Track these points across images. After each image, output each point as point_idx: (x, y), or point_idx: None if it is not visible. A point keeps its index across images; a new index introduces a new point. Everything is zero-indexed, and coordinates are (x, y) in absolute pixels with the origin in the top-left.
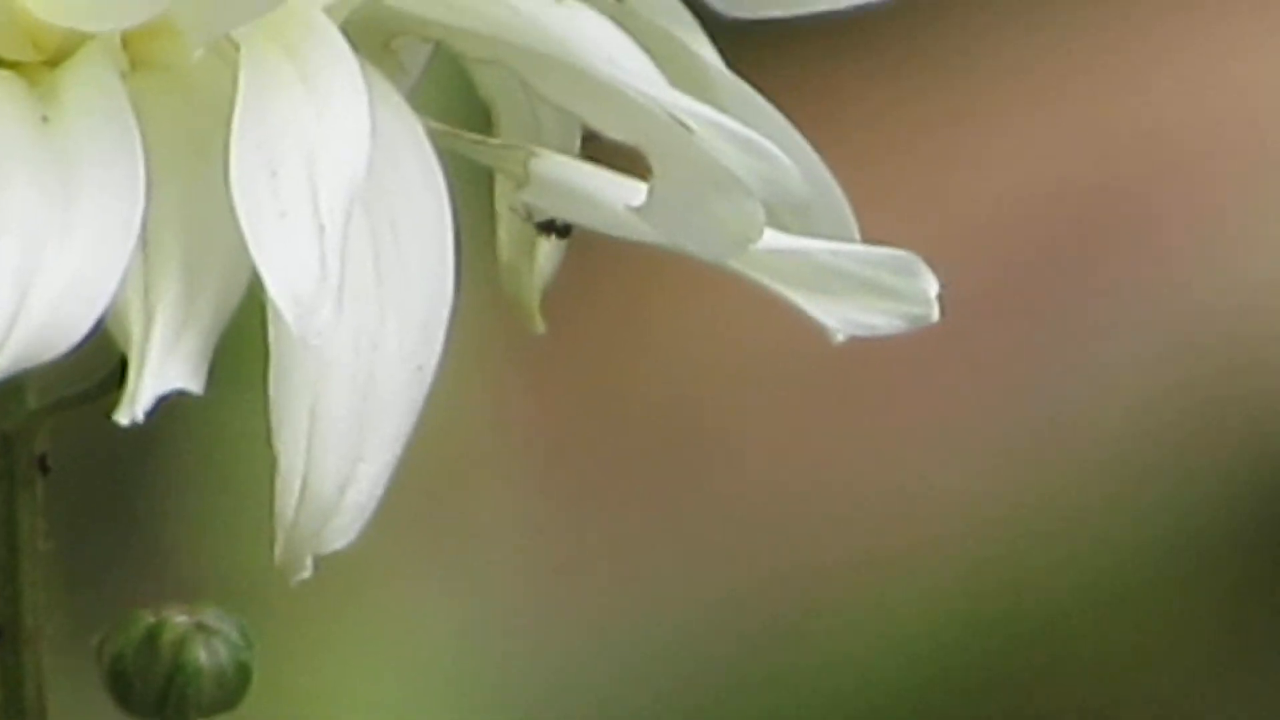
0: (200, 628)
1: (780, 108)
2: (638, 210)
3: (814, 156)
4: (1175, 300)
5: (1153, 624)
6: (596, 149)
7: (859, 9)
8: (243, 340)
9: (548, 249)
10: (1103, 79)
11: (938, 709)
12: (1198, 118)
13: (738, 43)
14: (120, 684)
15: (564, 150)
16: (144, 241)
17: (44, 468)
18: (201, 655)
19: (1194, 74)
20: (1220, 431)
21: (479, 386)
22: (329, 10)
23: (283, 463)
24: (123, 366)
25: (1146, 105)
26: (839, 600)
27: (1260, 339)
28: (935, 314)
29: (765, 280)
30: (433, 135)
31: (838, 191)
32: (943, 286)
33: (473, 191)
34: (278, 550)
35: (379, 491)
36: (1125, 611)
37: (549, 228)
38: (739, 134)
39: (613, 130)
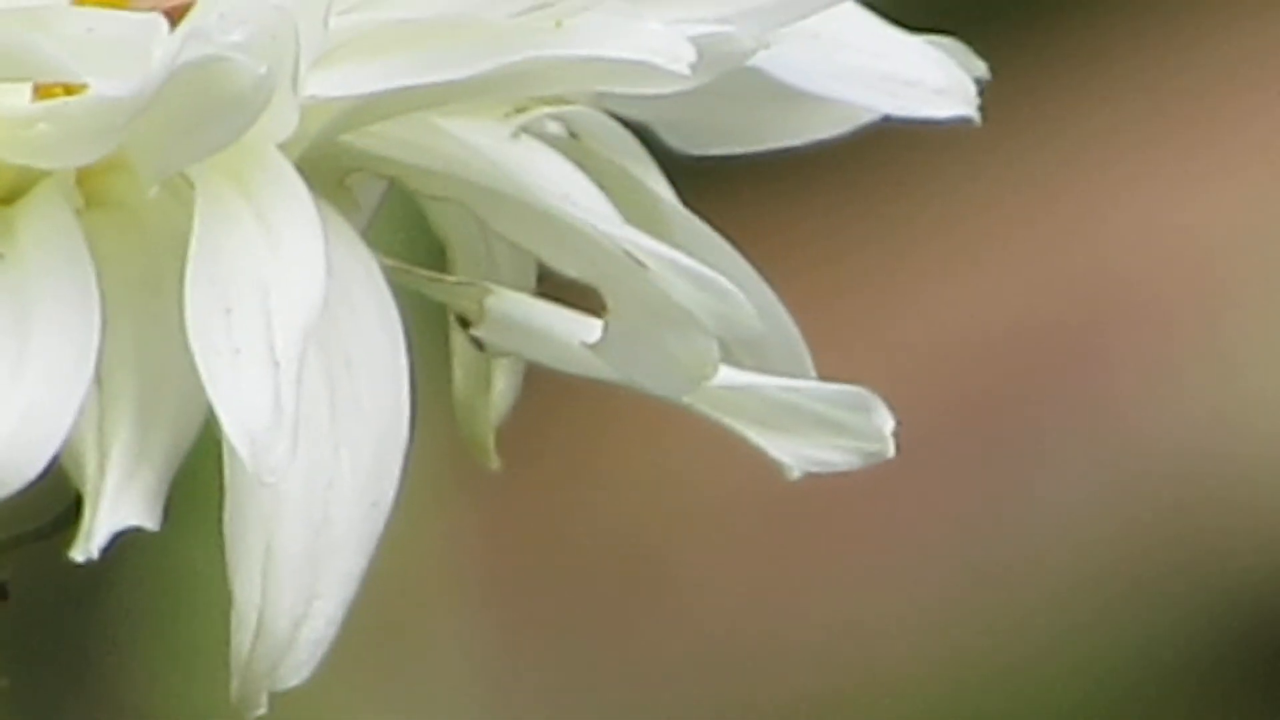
0: None
1: (735, 245)
2: (593, 347)
3: (769, 292)
4: (1123, 439)
5: None
6: (552, 286)
7: (814, 145)
8: (198, 477)
9: (503, 386)
10: (1052, 220)
11: None
12: (1146, 258)
13: (694, 180)
14: None
15: (519, 287)
16: (99, 378)
17: (4, 594)
18: None
19: (1142, 215)
20: (1170, 567)
21: (434, 522)
22: (283, 147)
23: (238, 599)
24: (78, 503)
25: (1094, 246)
26: None
27: (1208, 477)
28: (890, 450)
29: (720, 417)
30: (388, 272)
31: (792, 328)
32: (897, 424)
33: (427, 328)
34: (234, 686)
35: (334, 628)
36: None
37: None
38: (693, 270)
39: (568, 267)
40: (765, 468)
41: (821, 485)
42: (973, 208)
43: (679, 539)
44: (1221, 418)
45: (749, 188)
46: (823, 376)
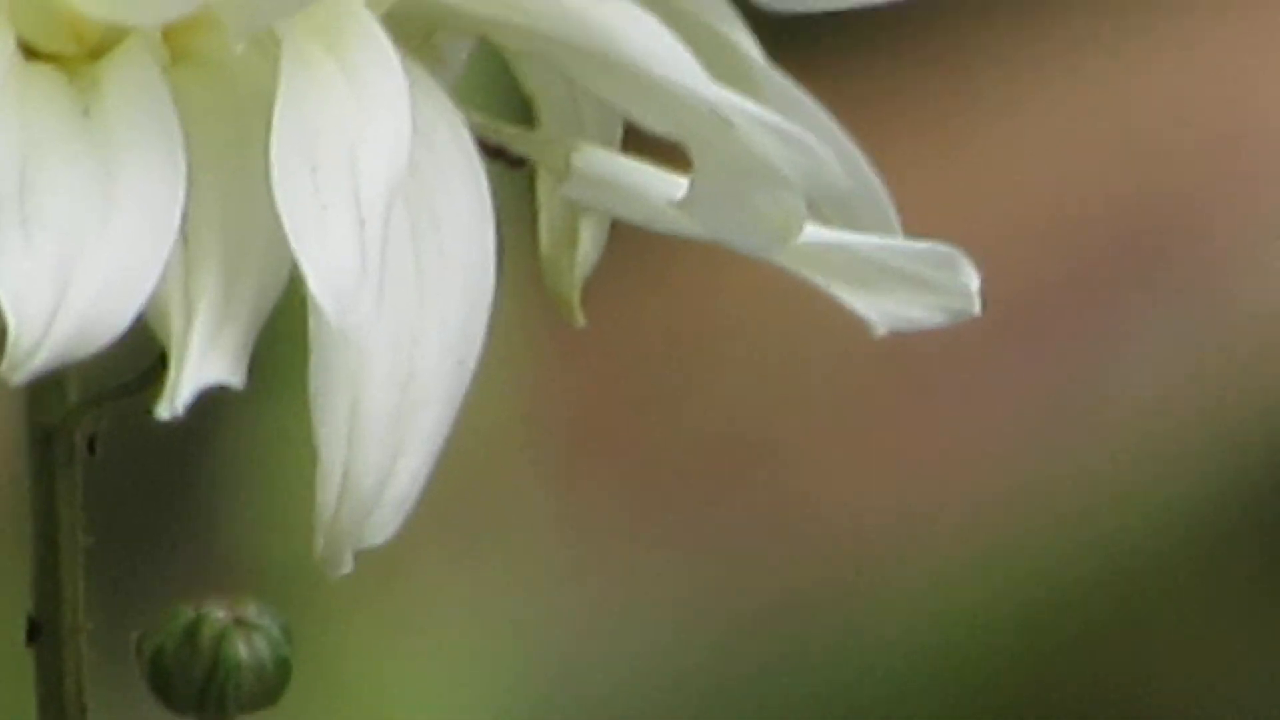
0: (240, 623)
1: (823, 103)
2: (679, 204)
3: (855, 151)
4: (1216, 311)
5: (1174, 613)
6: (639, 142)
7: (899, 4)
8: (284, 336)
9: (589, 241)
10: (1142, 84)
11: (969, 695)
12: (1239, 123)
13: (781, 38)
14: (160, 679)
15: (605, 144)
16: (184, 235)
17: (91, 449)
18: (241, 650)
19: (1231, 79)
20: (1255, 431)
21: (519, 380)
22: (370, 4)
23: (323, 457)
24: (163, 360)
25: (1184, 112)
26: (878, 603)
27: None
28: (976, 307)
29: (807, 273)
30: (474, 129)
31: (879, 186)
32: (984, 285)
33: (514, 184)
34: (318, 545)
35: (419, 486)
36: (1148, 599)
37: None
38: (780, 128)
39: (654, 124)
40: (856, 335)
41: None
42: (1060, 68)
43: (770, 404)
44: None
45: (836, 47)
46: (910, 236)
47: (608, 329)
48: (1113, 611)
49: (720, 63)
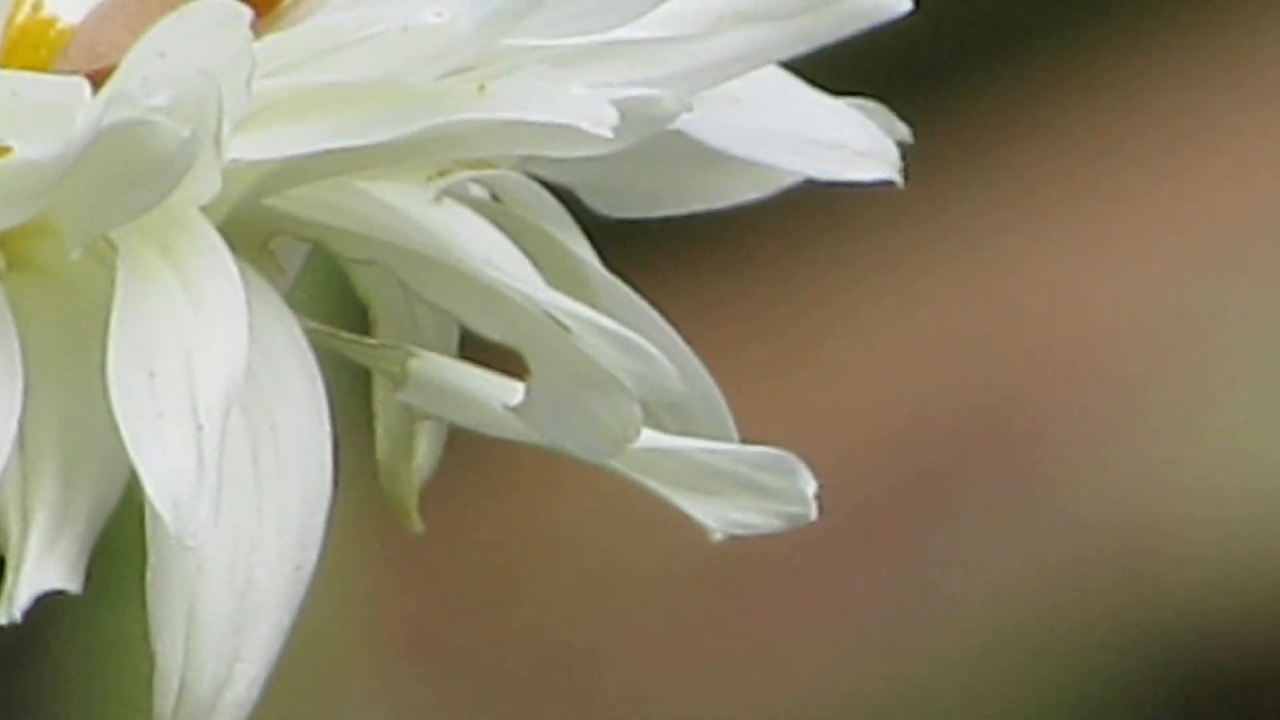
0: None
1: (659, 309)
2: (516, 410)
3: (691, 356)
4: (1049, 515)
5: None
6: (475, 349)
7: (735, 208)
8: (122, 541)
9: (426, 448)
10: (979, 289)
11: None
12: (1071, 331)
13: (617, 244)
14: None
15: (442, 350)
16: (21, 442)
17: None
18: None
19: (1064, 285)
20: (1096, 640)
21: (356, 584)
22: (206, 211)
23: (161, 663)
24: (0, 566)
25: (1020, 318)
26: None
27: (1134, 550)
28: (813, 513)
29: (644, 479)
30: (311, 335)
31: (715, 391)
32: (820, 491)
33: (350, 391)
34: None
35: (256, 692)
36: None
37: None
38: (616, 333)
39: (490, 330)
40: (695, 539)
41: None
42: (897, 277)
43: (606, 610)
44: (1146, 491)
45: (672, 252)
46: (746, 443)
47: (445, 534)
48: None
49: (557, 269)
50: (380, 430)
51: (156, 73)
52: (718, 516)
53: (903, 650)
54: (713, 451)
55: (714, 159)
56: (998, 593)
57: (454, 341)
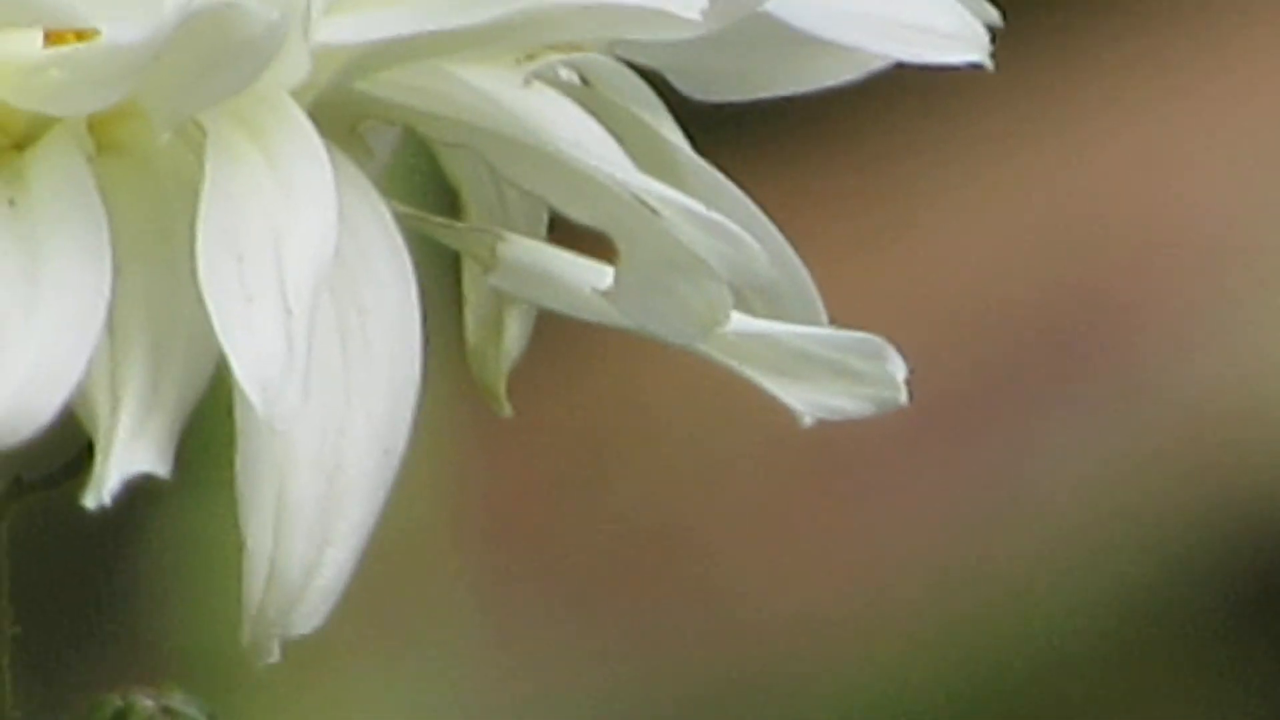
0: (166, 711)
1: (748, 193)
2: (605, 293)
3: (781, 241)
4: (1139, 399)
5: (1101, 705)
6: (564, 233)
7: (823, 92)
8: (211, 426)
9: (515, 332)
10: (1067, 173)
11: None
12: (1159, 215)
13: (707, 128)
14: None
15: (531, 234)
16: (110, 325)
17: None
18: None
19: (1155, 171)
20: (1184, 523)
21: (446, 470)
22: (295, 94)
23: (250, 547)
24: (90, 450)
25: (1108, 202)
26: (808, 694)
27: (1222, 437)
28: (904, 398)
29: (733, 364)
30: (400, 219)
31: (805, 276)
32: (911, 375)
33: (440, 274)
34: (245, 634)
35: (346, 576)
36: (1076, 689)
37: None
38: (705, 218)
39: (579, 214)
40: (782, 425)
41: (840, 443)
42: (987, 159)
43: (694, 497)
44: (1239, 375)
45: (762, 136)
46: (837, 325)
47: (534, 419)
48: (1042, 702)
49: (646, 153)
50: (469, 314)
51: None
52: (807, 401)
53: (992, 535)
54: (802, 336)
55: (802, 41)
56: (1088, 478)
57: (543, 225)
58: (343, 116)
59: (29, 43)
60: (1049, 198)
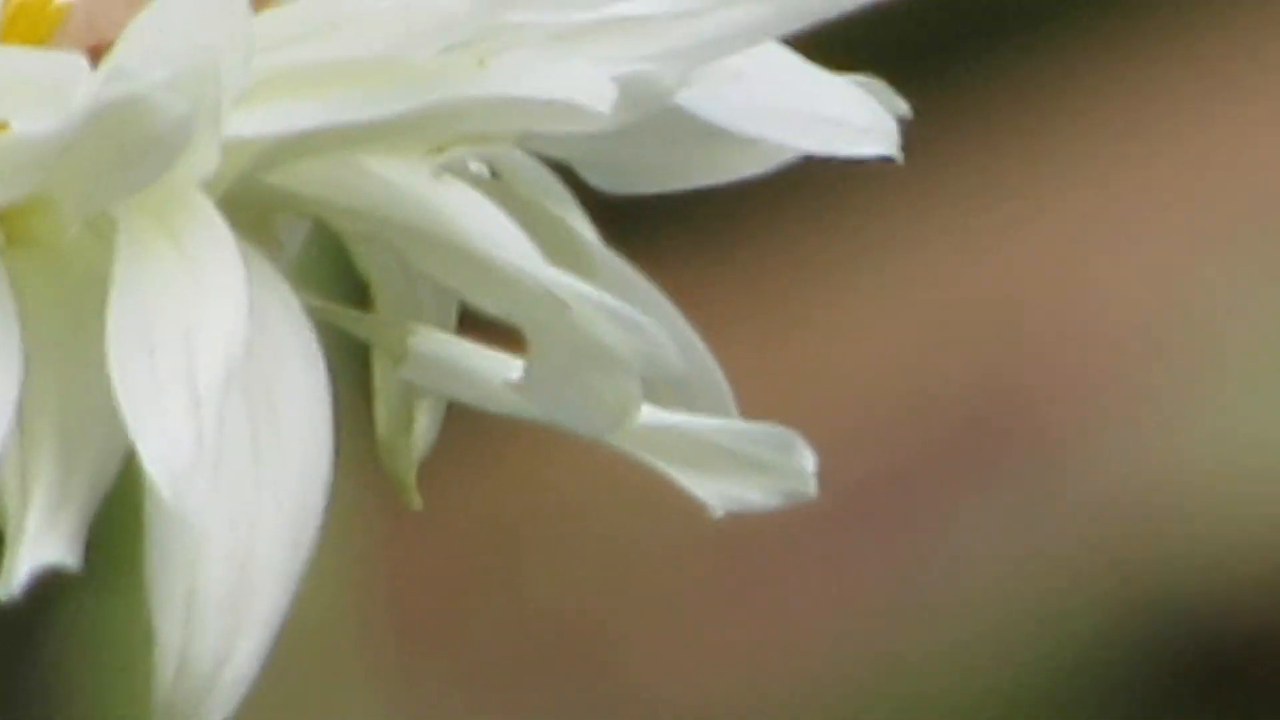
0: None
1: (658, 284)
2: (516, 386)
3: (690, 333)
4: (1052, 493)
5: None
6: (474, 324)
7: (734, 183)
8: (120, 517)
9: (426, 424)
10: (978, 266)
11: None
12: (1073, 308)
13: (616, 221)
14: None
15: (442, 326)
16: (20, 418)
17: None
18: None
19: (1068, 264)
20: (1084, 619)
21: (354, 561)
22: (206, 187)
23: (161, 640)
24: (0, 541)
25: (1020, 295)
26: None
27: (1148, 520)
28: (813, 489)
29: (645, 456)
30: (311, 311)
31: (714, 367)
32: (820, 468)
33: (350, 365)
34: None
35: (257, 667)
36: None
37: None
38: (616, 309)
39: (490, 306)
40: (695, 515)
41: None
42: (900, 249)
43: (607, 589)
44: (1156, 463)
45: (671, 226)
46: (747, 418)
47: (444, 511)
48: None
49: (556, 245)
50: (379, 407)
51: (155, 48)
52: (717, 492)
53: (908, 623)
54: (712, 428)
55: (714, 134)
56: (1004, 566)
57: (454, 317)
58: (254, 209)
59: None
60: (963, 287)
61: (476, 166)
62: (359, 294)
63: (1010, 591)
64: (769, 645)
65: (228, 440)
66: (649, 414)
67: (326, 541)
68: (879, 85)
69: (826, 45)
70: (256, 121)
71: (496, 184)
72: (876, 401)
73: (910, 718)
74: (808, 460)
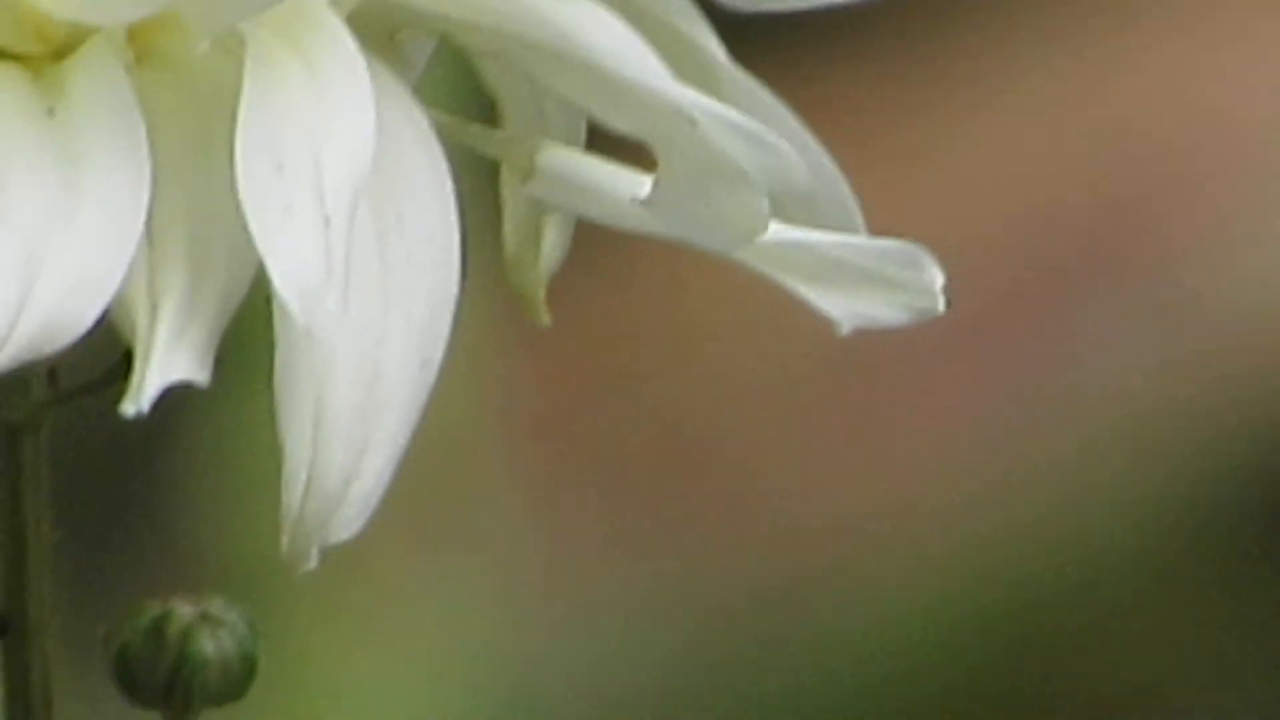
0: (206, 618)
1: (787, 102)
2: (643, 203)
3: (819, 149)
4: (1174, 307)
5: (1142, 609)
6: (603, 141)
7: (864, 4)
8: (249, 334)
9: (554, 241)
10: (1106, 85)
11: (935, 691)
12: (1197, 127)
13: (744, 38)
14: (126, 674)
15: (569, 143)
16: (149, 234)
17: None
18: (207, 645)
19: (1191, 85)
20: (1218, 427)
21: (483, 378)
22: (334, 4)
23: (288, 456)
24: (129, 358)
25: (1147, 115)
26: (842, 601)
27: (1260, 345)
28: (940, 306)
29: (770, 272)
30: (438, 128)
31: (843, 184)
32: (948, 283)
33: (478, 183)
34: (284, 542)
35: (384, 483)
36: (1116, 595)
37: None
38: (743, 126)
39: (618, 123)
40: (822, 332)
41: (878, 352)
42: (1026, 68)
43: (733, 400)
44: (1272, 286)
45: (798, 46)
46: (874, 236)
47: (572, 327)
48: (1081, 608)
49: (684, 62)
50: (508, 222)
51: None
52: (845, 309)
53: (1030, 442)
54: (840, 244)
55: None
56: (1128, 385)
57: (582, 134)
58: (381, 26)
59: None
60: (1090, 108)
61: None
62: (486, 110)
63: (1139, 402)
64: (893, 460)
65: (356, 257)
66: (776, 230)
67: (457, 355)
68: None
69: None
70: None
71: (626, 2)
72: (1003, 219)
73: (1043, 530)
74: (935, 276)
